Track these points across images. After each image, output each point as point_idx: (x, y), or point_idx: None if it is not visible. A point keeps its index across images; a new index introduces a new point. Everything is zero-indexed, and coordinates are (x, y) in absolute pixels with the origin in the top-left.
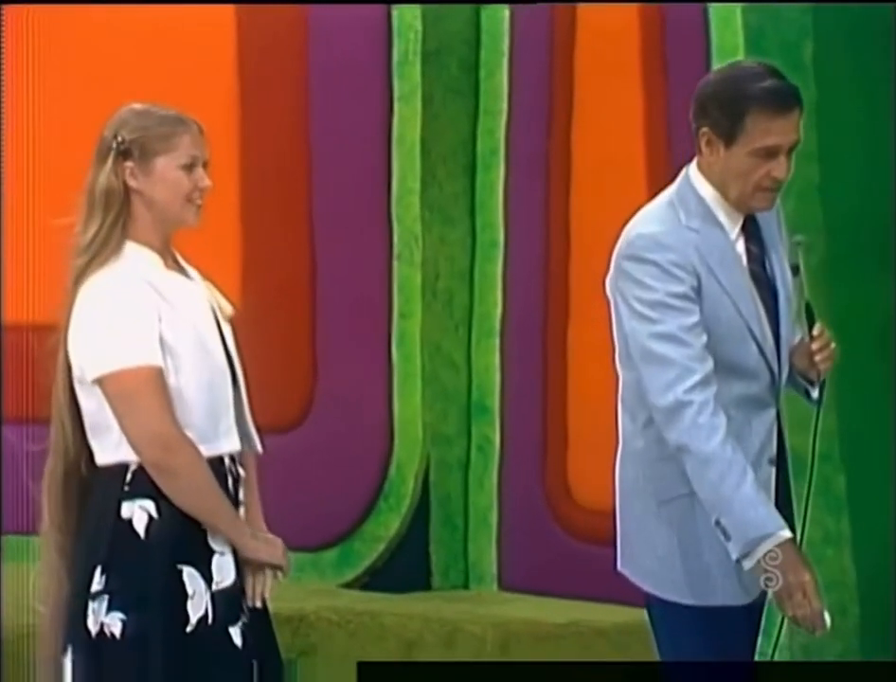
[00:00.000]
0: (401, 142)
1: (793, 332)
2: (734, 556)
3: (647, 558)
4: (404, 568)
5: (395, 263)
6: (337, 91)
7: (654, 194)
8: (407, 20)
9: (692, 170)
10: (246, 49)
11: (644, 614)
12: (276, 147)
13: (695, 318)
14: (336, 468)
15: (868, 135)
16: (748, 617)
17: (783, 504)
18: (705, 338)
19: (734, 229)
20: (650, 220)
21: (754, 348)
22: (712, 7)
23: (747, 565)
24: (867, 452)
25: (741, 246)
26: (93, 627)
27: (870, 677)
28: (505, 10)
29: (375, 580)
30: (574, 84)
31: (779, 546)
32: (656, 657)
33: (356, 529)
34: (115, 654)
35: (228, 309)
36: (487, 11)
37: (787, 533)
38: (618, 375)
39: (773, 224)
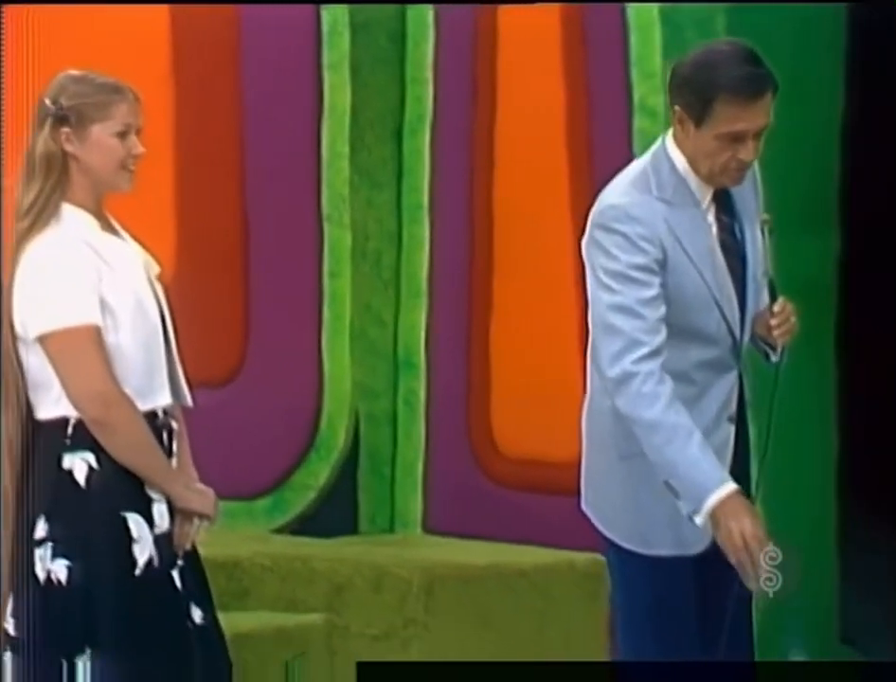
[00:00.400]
0: (331, 109)
1: (761, 299)
2: (684, 513)
3: (606, 506)
4: (334, 515)
5: (325, 225)
6: (268, 60)
7: (572, 154)
8: (347, 33)
9: (668, 139)
10: (180, 16)
11: (562, 554)
12: (209, 113)
13: (654, 291)
14: (269, 421)
15: (787, 107)
16: (695, 568)
17: (742, 459)
18: (662, 310)
19: (705, 199)
20: (622, 190)
21: (717, 314)
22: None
23: (699, 520)
24: (789, 408)
25: (711, 216)
26: (41, 573)
27: (871, 677)
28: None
29: (306, 526)
30: (497, 53)
31: (723, 498)
32: (574, 596)
33: (288, 478)
34: (62, 599)
35: (157, 268)
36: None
37: (731, 486)
38: (589, 334)
39: (749, 193)
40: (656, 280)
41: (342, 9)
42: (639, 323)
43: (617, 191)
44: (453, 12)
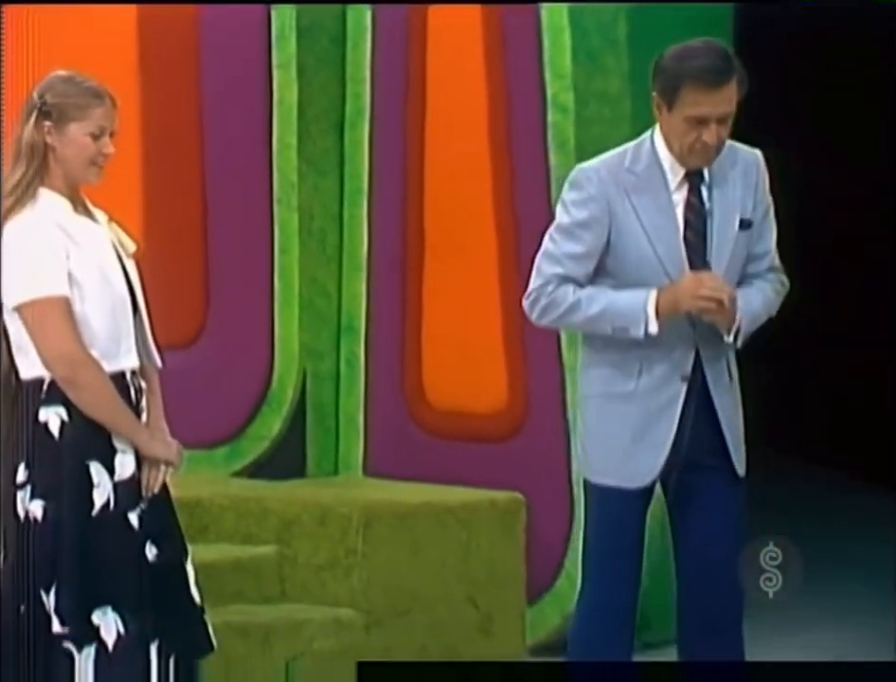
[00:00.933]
0: (280, 104)
1: (730, 274)
2: (641, 334)
3: (578, 443)
4: (284, 461)
5: (276, 207)
6: (225, 61)
7: (493, 145)
8: (292, 23)
9: (657, 126)
10: (146, 23)
11: (484, 493)
12: (172, 108)
13: (583, 248)
14: (227, 378)
15: None
16: (641, 500)
17: (702, 419)
18: (589, 268)
19: (676, 179)
20: (599, 159)
21: (667, 284)
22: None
23: (653, 329)
24: None
25: (680, 195)
26: (21, 512)
27: (870, 677)
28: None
29: (260, 471)
30: (427, 52)
31: (659, 291)
32: (494, 530)
33: (244, 429)
34: (37, 534)
35: (131, 246)
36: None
37: (656, 288)
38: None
39: (737, 188)
40: (590, 239)
41: (289, 14)
42: (559, 270)
43: (594, 159)
44: (388, 14)
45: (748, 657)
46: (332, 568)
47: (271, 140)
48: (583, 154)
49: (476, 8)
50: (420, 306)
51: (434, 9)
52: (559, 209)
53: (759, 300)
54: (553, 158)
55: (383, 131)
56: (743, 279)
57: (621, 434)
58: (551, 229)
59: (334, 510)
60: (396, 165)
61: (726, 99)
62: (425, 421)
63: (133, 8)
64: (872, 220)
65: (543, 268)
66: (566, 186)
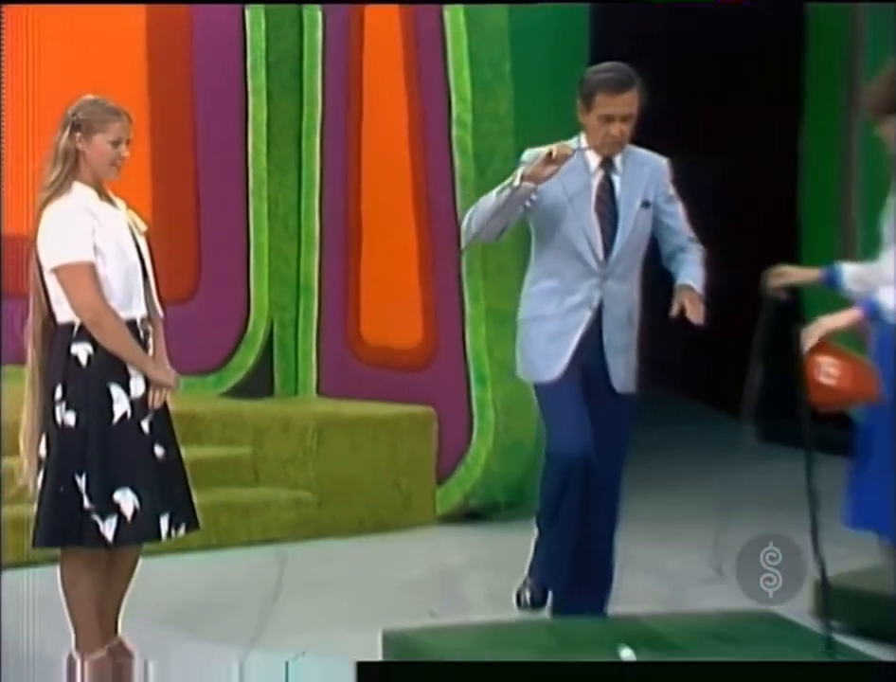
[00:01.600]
0: (253, 120)
1: (633, 239)
2: (515, 184)
3: (518, 356)
4: (257, 385)
5: (251, 198)
6: (213, 86)
7: (413, 149)
8: (256, 40)
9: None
10: (154, 54)
11: (406, 408)
12: (174, 122)
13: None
14: (214, 325)
15: (552, 120)
16: (576, 385)
17: (598, 340)
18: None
19: (594, 165)
20: (545, 147)
21: (585, 243)
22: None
23: (516, 182)
24: None
25: (596, 180)
26: (59, 420)
27: (871, 677)
28: (318, 32)
29: (240, 392)
30: (363, 84)
31: (523, 166)
32: (414, 435)
33: (227, 362)
34: (71, 436)
35: (142, 226)
36: (308, 32)
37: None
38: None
39: (642, 177)
40: (523, 197)
41: (261, 51)
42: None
43: (539, 149)
44: (334, 56)
45: None
46: (293, 463)
47: (247, 147)
48: (479, 159)
49: (399, 49)
50: (358, 271)
51: (368, 52)
52: (514, 176)
53: (699, 270)
54: (457, 161)
55: (330, 141)
56: (676, 252)
57: (541, 343)
58: (502, 187)
59: (295, 420)
60: (340, 165)
61: (628, 103)
62: (362, 355)
63: (142, 37)
64: (732, 201)
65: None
66: (519, 163)
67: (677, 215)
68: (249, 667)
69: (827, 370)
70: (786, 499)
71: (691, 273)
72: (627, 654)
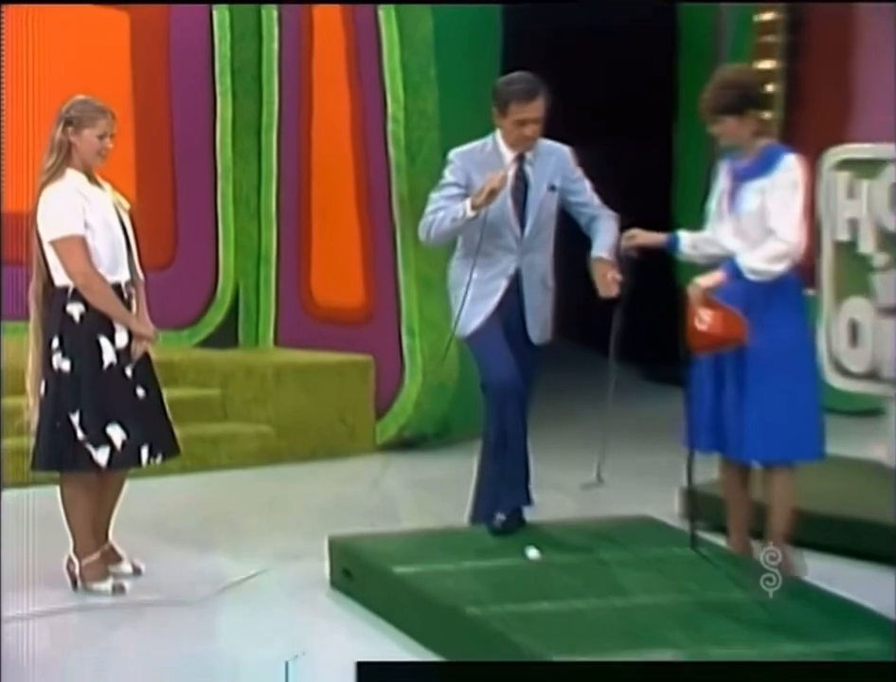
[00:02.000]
0: (221, 117)
1: (542, 218)
2: (470, 214)
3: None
4: (225, 339)
5: (219, 182)
6: (188, 88)
7: (355, 141)
8: (223, 50)
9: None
10: (137, 62)
11: (349, 356)
12: (153, 119)
13: (453, 193)
14: (188, 287)
15: (470, 115)
16: (499, 331)
17: (518, 303)
18: (456, 204)
19: (508, 159)
20: (463, 146)
21: (504, 225)
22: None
23: (470, 213)
24: None
25: (512, 171)
26: (55, 367)
27: (871, 677)
28: (275, 43)
29: (210, 344)
30: (313, 88)
31: (471, 202)
32: (356, 378)
33: (199, 319)
34: (67, 381)
35: (126, 205)
36: (266, 43)
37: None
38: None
39: (550, 164)
40: (455, 190)
41: (226, 58)
42: (433, 206)
43: (463, 146)
44: (289, 63)
45: None
46: (255, 402)
47: (215, 140)
48: (409, 149)
49: (342, 58)
50: (309, 243)
51: (316, 61)
52: (445, 171)
53: (609, 236)
54: (391, 151)
55: (285, 134)
56: (590, 222)
57: (468, 305)
58: (439, 185)
59: (256, 367)
60: (293, 155)
61: (537, 109)
62: (312, 312)
63: (126, 47)
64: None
65: (430, 205)
66: (447, 161)
67: (584, 192)
68: (249, 667)
69: (704, 319)
70: (660, 426)
71: (601, 242)
72: (533, 554)
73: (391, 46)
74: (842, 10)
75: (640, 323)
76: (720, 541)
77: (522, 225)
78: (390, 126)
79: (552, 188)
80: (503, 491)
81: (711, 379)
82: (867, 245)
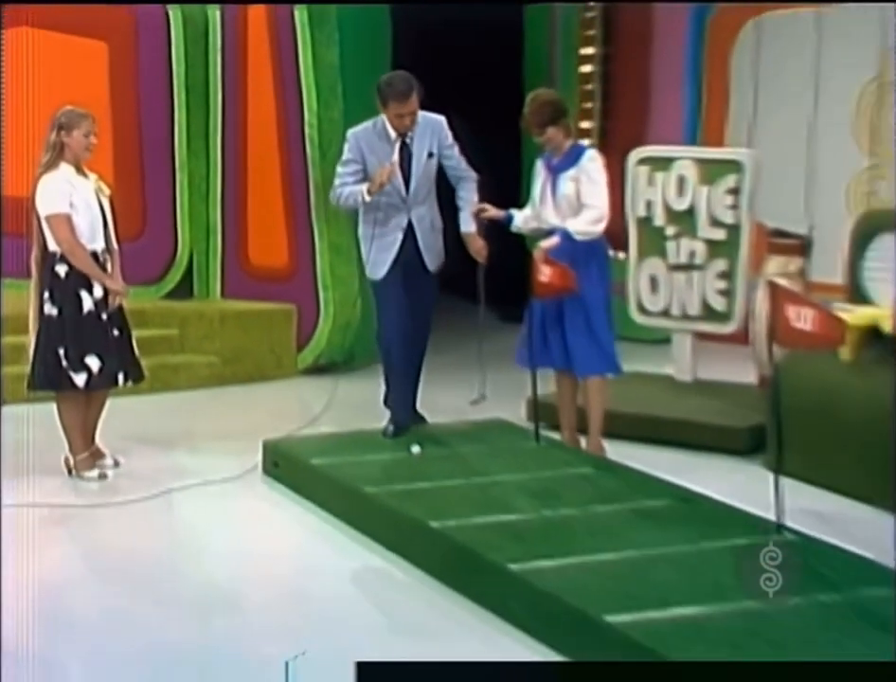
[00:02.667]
0: (178, 123)
1: (423, 179)
2: (367, 198)
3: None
4: (183, 292)
5: (177, 173)
6: (151, 101)
7: (280, 139)
8: (179, 72)
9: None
10: (114, 80)
11: (277, 306)
12: (127, 124)
13: (351, 169)
14: (155, 253)
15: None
16: (398, 281)
17: (415, 246)
18: (358, 178)
19: (393, 136)
20: (357, 127)
21: (393, 189)
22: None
23: (367, 198)
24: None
25: (397, 144)
26: (47, 312)
27: (871, 677)
28: (218, 67)
29: (172, 296)
30: (247, 97)
31: (367, 188)
32: (281, 322)
33: (162, 277)
34: (55, 323)
35: (107, 191)
36: (212, 68)
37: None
38: None
39: (426, 139)
40: (354, 166)
41: (182, 78)
42: (342, 179)
43: (357, 126)
44: (231, 84)
45: None
46: (206, 339)
47: (174, 140)
48: (321, 147)
49: (270, 79)
50: (246, 219)
51: (251, 82)
52: (345, 148)
53: (474, 199)
54: (307, 148)
55: (227, 135)
56: (458, 182)
57: (374, 254)
58: (341, 160)
59: (206, 313)
60: (233, 151)
61: (412, 104)
62: (249, 271)
63: (105, 68)
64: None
65: (337, 180)
66: (345, 139)
67: (454, 156)
68: (248, 667)
69: (545, 273)
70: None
71: (465, 217)
72: (416, 449)
73: (307, 69)
74: (640, 47)
75: (499, 277)
76: (555, 436)
77: (407, 188)
78: (307, 130)
79: (430, 155)
80: (392, 410)
81: (548, 317)
82: (660, 220)
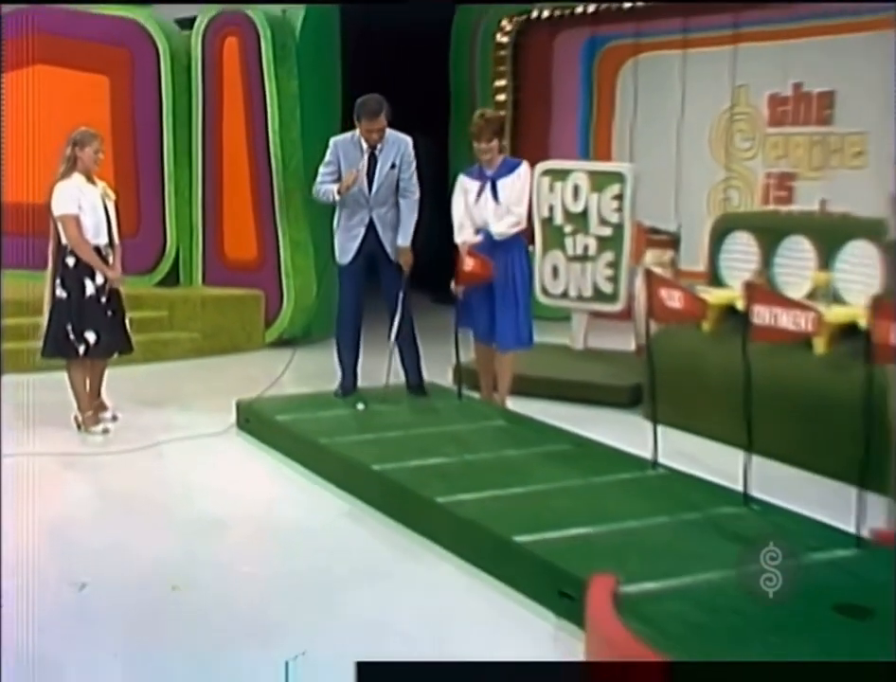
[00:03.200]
0: (166, 143)
1: (384, 185)
2: (338, 197)
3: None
4: (171, 280)
5: (166, 181)
6: (145, 126)
7: (250, 149)
8: (168, 105)
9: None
10: (115, 108)
11: (247, 292)
12: (125, 144)
13: (331, 169)
14: (149, 248)
15: (321, 139)
16: (352, 268)
17: (376, 239)
18: (335, 177)
19: (365, 147)
20: (341, 135)
21: (359, 191)
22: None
23: (337, 197)
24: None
25: (365, 156)
26: (58, 295)
27: (871, 677)
28: (200, 102)
29: (162, 283)
30: (223, 124)
31: (337, 188)
32: (248, 306)
33: (155, 268)
34: (64, 304)
35: (112, 196)
36: (195, 101)
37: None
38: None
39: (394, 148)
40: (332, 167)
41: (170, 109)
42: (322, 178)
43: (338, 136)
44: (210, 101)
45: None
46: (190, 318)
47: (163, 156)
48: (284, 163)
49: (241, 111)
50: (222, 220)
51: (225, 113)
52: (327, 152)
53: (412, 217)
54: (273, 162)
55: (207, 153)
56: (401, 196)
57: (341, 242)
58: (324, 161)
59: (190, 297)
60: (213, 165)
61: (379, 123)
62: (225, 263)
63: (108, 98)
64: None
65: (318, 178)
66: (329, 144)
67: (408, 173)
68: (248, 667)
69: (468, 263)
70: (441, 333)
71: (403, 232)
72: (360, 406)
73: (271, 98)
74: (542, 80)
75: (432, 267)
76: (475, 394)
77: (370, 190)
78: (271, 148)
79: (393, 166)
80: (342, 375)
81: (480, 298)
82: (560, 220)
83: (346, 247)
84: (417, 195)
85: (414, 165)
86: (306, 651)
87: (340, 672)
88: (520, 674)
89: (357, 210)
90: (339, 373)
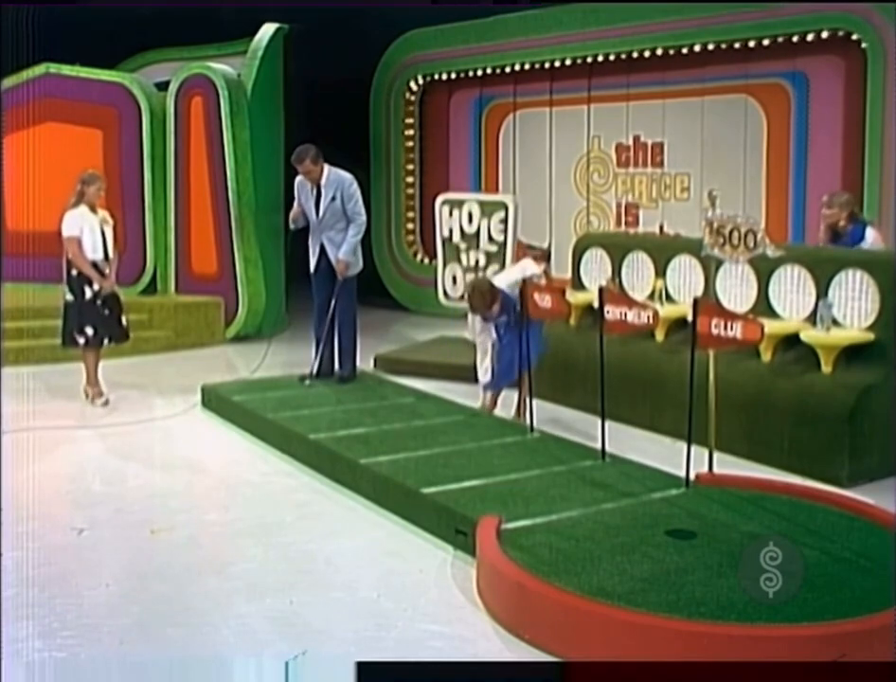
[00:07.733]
0: (147, 181)
1: (329, 213)
2: (292, 226)
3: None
4: (151, 289)
5: (146, 213)
6: (129, 168)
7: (211, 181)
8: (149, 150)
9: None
10: (107, 155)
11: (210, 298)
12: (113, 181)
13: (296, 202)
14: (133, 264)
15: (270, 182)
16: (322, 276)
17: (326, 255)
18: (299, 209)
19: (311, 184)
20: (299, 177)
21: (311, 218)
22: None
23: (293, 226)
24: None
25: (315, 190)
26: (66, 298)
27: (870, 677)
28: (172, 146)
29: (143, 293)
30: (190, 168)
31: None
32: (213, 311)
33: (137, 280)
34: (70, 305)
35: (111, 221)
36: (168, 145)
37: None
38: None
39: (334, 184)
40: (296, 202)
41: (149, 153)
42: (293, 210)
43: (298, 177)
44: (178, 157)
45: None
46: (165, 320)
47: (143, 191)
48: (238, 195)
49: (205, 159)
50: (189, 241)
51: (191, 161)
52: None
53: (351, 241)
54: (230, 196)
55: (178, 190)
56: (348, 222)
57: (310, 256)
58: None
59: (166, 304)
60: (183, 199)
61: (305, 166)
62: (193, 276)
63: (100, 148)
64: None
65: (294, 206)
66: (295, 184)
67: (351, 202)
68: (248, 666)
69: (546, 299)
70: (377, 327)
71: (343, 249)
72: (307, 382)
73: (228, 143)
74: (441, 128)
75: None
76: (392, 378)
77: (318, 218)
78: (229, 184)
79: (333, 198)
80: (318, 362)
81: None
82: (457, 239)
83: (312, 261)
84: (362, 219)
85: (356, 196)
86: (306, 651)
87: (340, 672)
88: (519, 675)
89: (314, 233)
90: (313, 358)
